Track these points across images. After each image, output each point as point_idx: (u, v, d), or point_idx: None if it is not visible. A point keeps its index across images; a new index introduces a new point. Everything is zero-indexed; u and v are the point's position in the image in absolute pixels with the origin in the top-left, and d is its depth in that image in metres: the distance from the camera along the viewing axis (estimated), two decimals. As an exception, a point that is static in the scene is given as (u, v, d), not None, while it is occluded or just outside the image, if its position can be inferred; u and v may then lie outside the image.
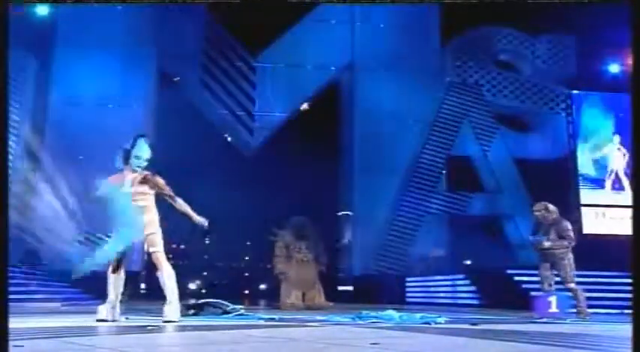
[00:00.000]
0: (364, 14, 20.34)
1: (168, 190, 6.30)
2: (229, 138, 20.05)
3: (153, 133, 18.43)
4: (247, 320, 6.74)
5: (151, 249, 6.19)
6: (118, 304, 6.19)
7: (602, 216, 19.68)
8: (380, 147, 19.40)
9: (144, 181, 6.18)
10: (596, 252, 13.88)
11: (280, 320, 6.57)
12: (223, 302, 7.84)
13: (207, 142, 18.44)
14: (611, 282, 12.80)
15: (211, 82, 19.48)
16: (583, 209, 19.42)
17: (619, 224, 19.23)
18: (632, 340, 2.63)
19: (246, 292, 26.28)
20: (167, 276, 6.15)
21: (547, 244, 8.20)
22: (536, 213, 8.50)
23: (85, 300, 13.99)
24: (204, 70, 19.46)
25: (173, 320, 5.88)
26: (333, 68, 20.30)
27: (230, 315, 7.47)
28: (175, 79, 19.48)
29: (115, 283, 6.19)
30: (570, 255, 8.26)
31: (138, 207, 6.12)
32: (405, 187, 19.53)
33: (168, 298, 6.07)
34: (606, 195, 19.89)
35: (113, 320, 5.95)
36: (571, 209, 18.66)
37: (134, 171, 6.19)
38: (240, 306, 8.14)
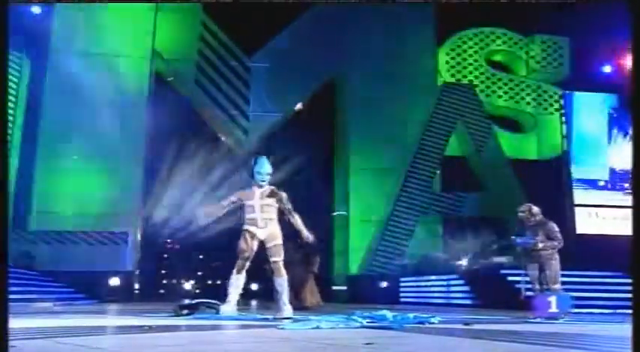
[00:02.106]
0: (359, 15, 20.34)
1: (289, 206, 7.01)
2: (223, 138, 20.01)
3: (147, 133, 18.47)
4: (241, 321, 6.74)
5: (274, 259, 6.91)
6: (235, 302, 7.03)
7: (595, 216, 19.78)
8: (374, 147, 19.41)
9: (271, 195, 6.91)
10: (588, 252, 13.95)
11: (274, 320, 6.57)
12: (217, 302, 7.83)
13: (201, 143, 18.41)
14: (604, 282, 12.86)
15: (206, 81, 19.44)
16: (576, 209, 19.54)
17: (611, 224, 19.34)
18: (632, 340, 2.63)
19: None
20: (285, 282, 6.93)
21: (541, 245, 8.24)
22: (521, 215, 8.57)
23: (77, 300, 13.98)
24: (199, 69, 19.43)
25: (291, 316, 6.63)
26: (327, 68, 20.27)
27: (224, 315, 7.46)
28: (169, 79, 19.44)
29: (237, 283, 7.04)
30: (557, 256, 8.32)
31: (264, 219, 6.89)
32: (400, 187, 19.55)
33: (282, 300, 6.85)
34: (599, 195, 20.00)
35: (233, 317, 6.65)
36: (564, 209, 18.76)
37: (260, 185, 6.90)
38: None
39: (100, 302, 13.99)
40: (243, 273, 7.09)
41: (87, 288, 15.08)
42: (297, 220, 7.08)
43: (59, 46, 18.18)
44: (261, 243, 6.96)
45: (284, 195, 6.97)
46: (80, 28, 18.29)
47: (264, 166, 6.94)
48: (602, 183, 20.25)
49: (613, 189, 20.09)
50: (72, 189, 17.20)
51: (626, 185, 20.16)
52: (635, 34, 2.98)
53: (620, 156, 20.46)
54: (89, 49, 18.28)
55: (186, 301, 8.08)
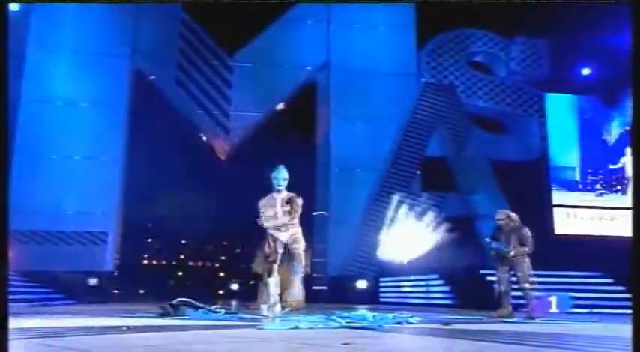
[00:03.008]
0: (340, 14, 20.36)
1: (298, 213, 7.40)
2: (205, 138, 19.92)
3: (128, 133, 18.33)
4: (222, 320, 6.73)
5: (294, 246, 7.27)
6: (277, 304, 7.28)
7: (574, 217, 20.04)
8: (355, 147, 19.43)
9: (289, 201, 7.36)
10: (567, 253, 14.10)
11: (253, 319, 6.57)
12: (198, 302, 7.82)
13: (182, 142, 18.33)
14: (583, 282, 13.00)
15: (187, 81, 19.31)
16: (554, 209, 19.76)
17: (588, 224, 19.61)
18: (632, 340, 2.67)
19: (221, 292, 26.18)
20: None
21: (513, 253, 8.43)
22: (500, 222, 8.71)
23: (55, 301, 13.83)
24: (180, 68, 19.30)
25: (270, 315, 6.89)
26: (309, 68, 20.26)
27: (204, 312, 7.48)
28: (151, 78, 19.31)
29: (272, 285, 7.33)
30: (527, 259, 8.51)
31: (285, 224, 7.30)
32: (380, 187, 19.58)
33: (264, 299, 7.28)
34: (575, 196, 20.29)
35: (274, 317, 6.81)
36: (543, 209, 18.96)
37: (278, 191, 7.38)
38: (216, 306, 8.17)
39: (78, 303, 13.85)
40: (275, 275, 7.40)
41: (65, 289, 14.92)
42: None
43: (38, 44, 17.99)
44: (285, 245, 7.32)
45: (299, 202, 7.40)
46: (60, 26, 18.13)
47: (281, 172, 7.41)
48: (577, 184, 20.55)
49: (585, 190, 20.43)
50: (50, 189, 17.02)
51: (598, 186, 20.49)
52: (635, 34, 3.01)
53: (596, 157, 20.78)
54: (69, 48, 18.12)
55: (176, 300, 8.07)
